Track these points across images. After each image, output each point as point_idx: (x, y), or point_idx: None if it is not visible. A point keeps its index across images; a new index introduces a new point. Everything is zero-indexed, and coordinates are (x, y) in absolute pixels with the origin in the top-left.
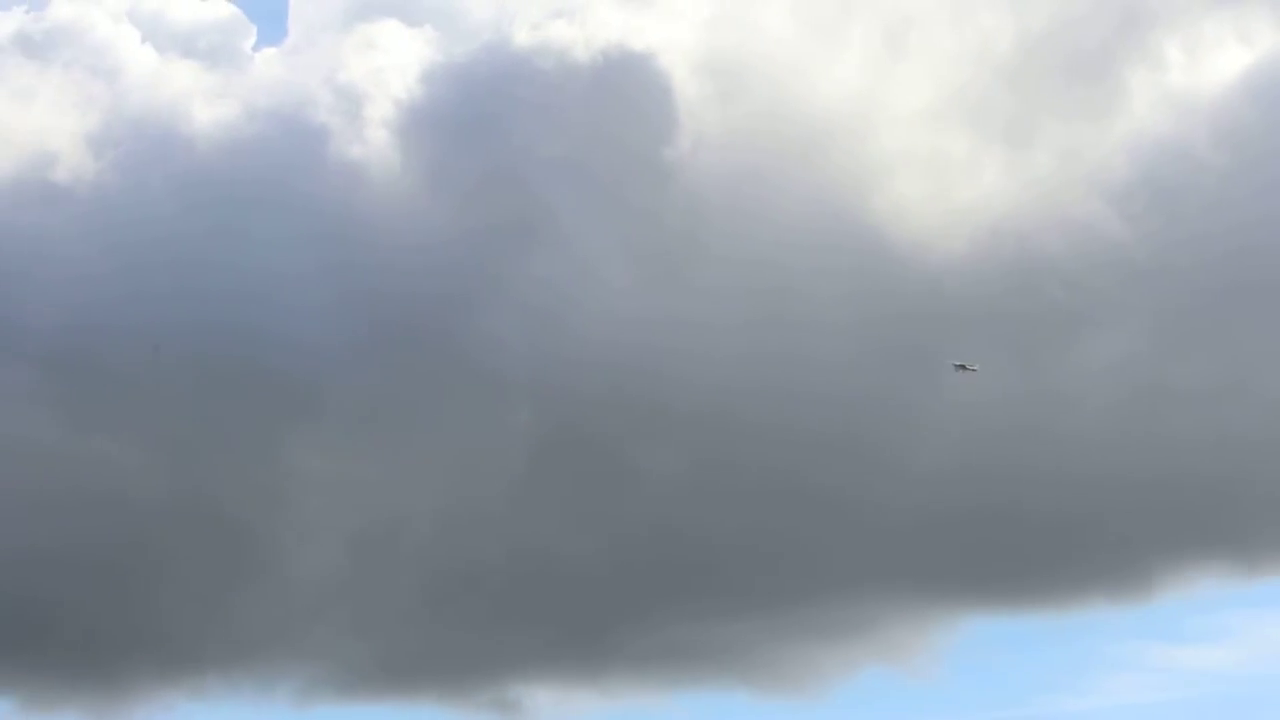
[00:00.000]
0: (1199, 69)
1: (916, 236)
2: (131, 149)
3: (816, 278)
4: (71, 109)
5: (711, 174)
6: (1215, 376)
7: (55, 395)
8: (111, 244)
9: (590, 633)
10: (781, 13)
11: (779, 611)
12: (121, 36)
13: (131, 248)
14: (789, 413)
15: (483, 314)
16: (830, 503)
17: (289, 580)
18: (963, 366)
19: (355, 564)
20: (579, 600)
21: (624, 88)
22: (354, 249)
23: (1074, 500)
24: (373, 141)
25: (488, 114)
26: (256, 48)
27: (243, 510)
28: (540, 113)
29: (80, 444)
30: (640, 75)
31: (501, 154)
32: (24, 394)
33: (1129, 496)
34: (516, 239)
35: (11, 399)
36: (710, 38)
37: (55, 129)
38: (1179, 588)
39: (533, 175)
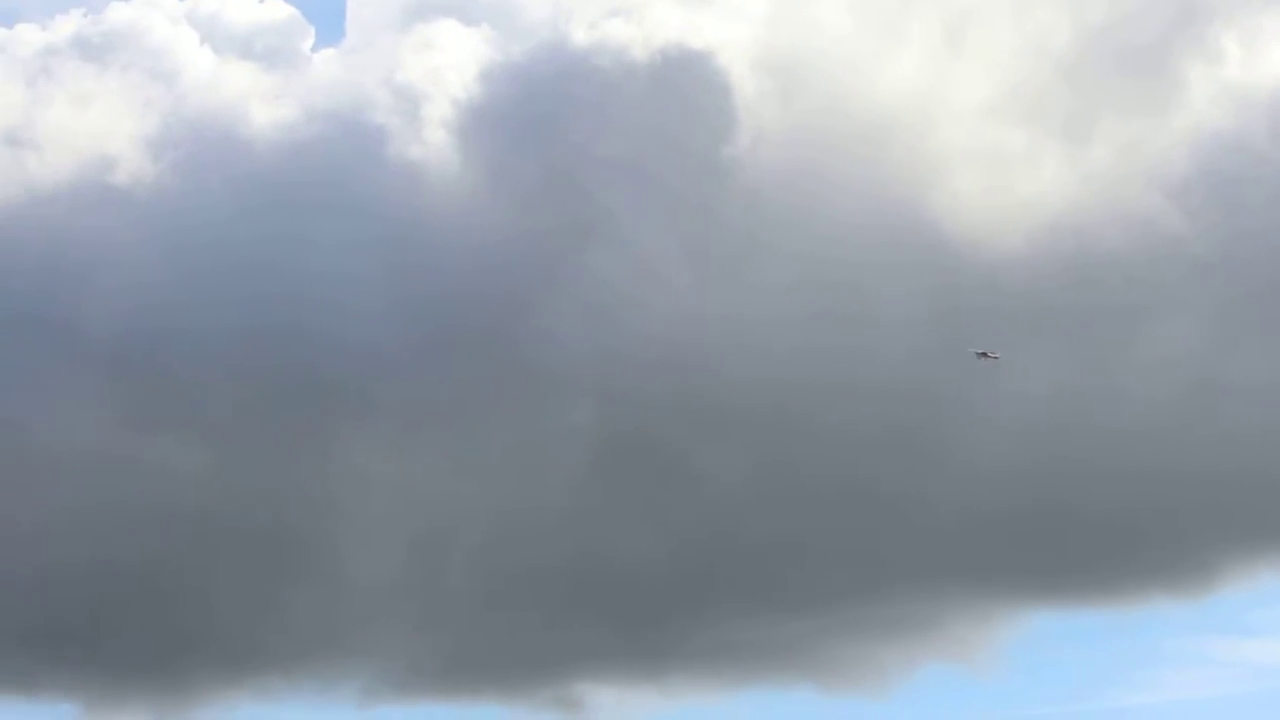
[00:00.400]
0: (1257, 62)
1: (974, 232)
2: (190, 151)
3: (875, 274)
4: (130, 112)
5: (770, 171)
6: (1275, 370)
7: (115, 398)
8: (170, 247)
9: (652, 631)
10: (840, 9)
11: (840, 609)
12: (179, 38)
13: (191, 250)
14: (848, 409)
15: (542, 314)
16: (890, 499)
17: (350, 581)
18: (984, 354)
19: (416, 564)
20: (640, 598)
21: (682, 86)
22: (413, 250)
23: (1134, 495)
24: (431, 142)
25: (546, 113)
26: (315, 49)
27: (303, 512)
28: (598, 111)
29: (140, 447)
30: (699, 73)
31: (560, 153)
32: (84, 397)
33: (1189, 491)
34: (575, 238)
35: (71, 402)
36: (769, 35)
37: (114, 132)
38: (1240, 581)
39: (591, 174)
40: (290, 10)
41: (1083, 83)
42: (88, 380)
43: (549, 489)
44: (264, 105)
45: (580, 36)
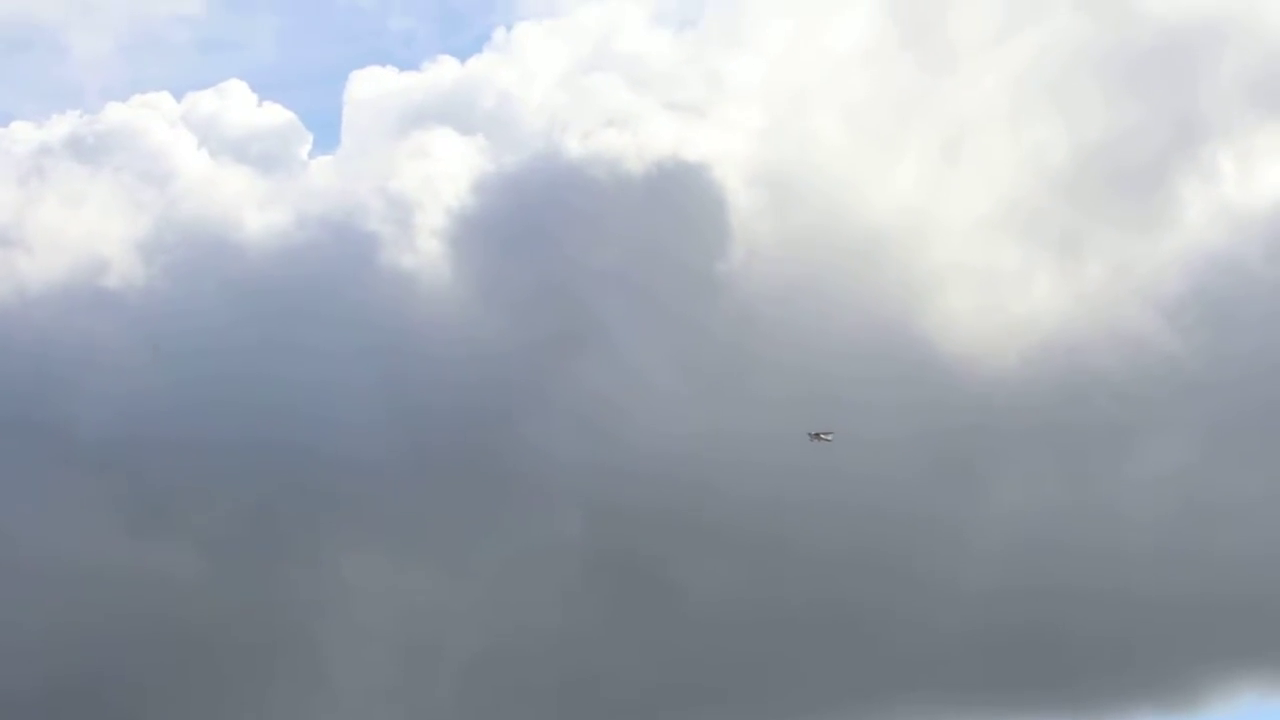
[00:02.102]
0: (1252, 182)
1: (967, 349)
2: (183, 255)
3: (866, 390)
4: (123, 214)
5: (763, 286)
6: (1266, 491)
7: (104, 503)
8: (162, 351)
9: None
10: (836, 123)
11: None
12: (176, 141)
13: (182, 355)
14: (836, 528)
15: (533, 426)
16: (878, 616)
17: (339, 690)
18: (818, 435)
19: (405, 675)
20: (627, 713)
21: (677, 199)
22: (404, 359)
23: (1121, 614)
24: (424, 250)
25: (539, 224)
26: (312, 155)
27: (293, 621)
28: (592, 223)
29: (130, 555)
30: (693, 186)
31: (553, 264)
32: (73, 501)
33: (1176, 610)
34: (568, 350)
35: (60, 506)
36: (764, 148)
37: (106, 234)
38: (1225, 700)
39: (584, 286)
40: (288, 115)
41: (1078, 200)
42: (76, 486)
43: (538, 602)
44: (257, 210)
45: (574, 147)
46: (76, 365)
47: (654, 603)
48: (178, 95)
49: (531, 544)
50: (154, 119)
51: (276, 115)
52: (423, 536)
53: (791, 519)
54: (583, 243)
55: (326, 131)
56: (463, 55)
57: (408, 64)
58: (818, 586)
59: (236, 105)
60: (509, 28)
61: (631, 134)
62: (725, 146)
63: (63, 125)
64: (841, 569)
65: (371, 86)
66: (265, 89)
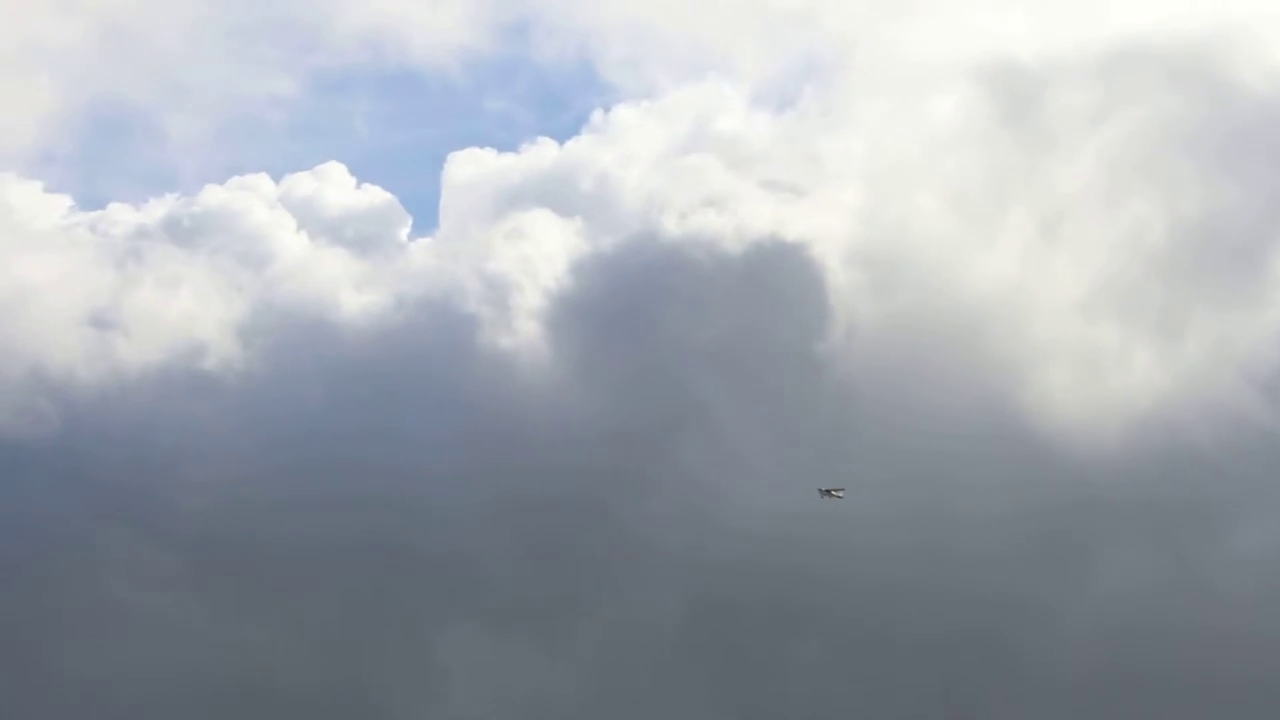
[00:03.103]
0: None
1: (1066, 426)
2: (281, 338)
3: (966, 469)
4: (220, 296)
5: (863, 365)
6: None
7: (204, 584)
8: (260, 433)
9: None
10: (934, 202)
11: None
12: (274, 223)
13: (280, 437)
14: (936, 610)
15: (632, 508)
16: (976, 699)
17: None
18: (829, 492)
19: None
20: None
21: (776, 279)
22: (502, 440)
23: (1226, 699)
24: (522, 332)
25: (638, 305)
26: (411, 236)
27: (392, 706)
28: (690, 304)
29: (229, 633)
30: (792, 266)
31: (652, 345)
32: (173, 582)
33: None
34: (667, 432)
35: (161, 587)
36: (863, 228)
37: (204, 316)
38: None
39: (683, 367)
40: (387, 197)
41: (1175, 277)
42: (175, 569)
43: (636, 681)
44: (355, 292)
45: (673, 228)
46: (174, 449)
47: (751, 685)
48: (275, 177)
49: (630, 627)
50: (252, 201)
51: (375, 196)
52: (521, 620)
53: (887, 598)
54: (681, 324)
55: (424, 213)
56: (561, 137)
57: (505, 145)
58: (916, 670)
59: (335, 187)
60: (607, 109)
61: (730, 214)
62: (824, 226)
63: (160, 208)
64: (940, 653)
65: (469, 168)
66: (363, 171)
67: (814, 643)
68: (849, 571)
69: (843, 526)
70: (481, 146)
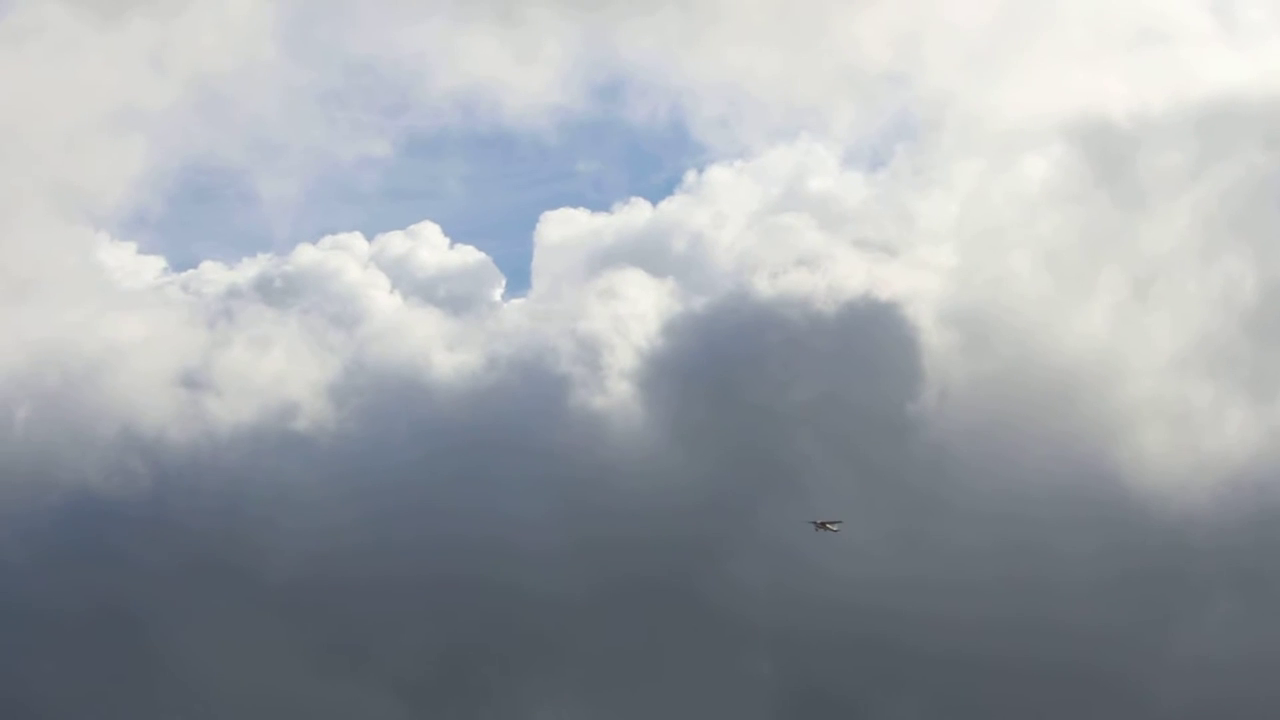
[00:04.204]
0: None
1: (1159, 486)
2: (373, 398)
3: (1059, 532)
4: (312, 356)
5: (956, 426)
6: None
7: (296, 644)
8: (353, 493)
9: None
10: (1027, 262)
11: None
12: (367, 282)
13: (373, 497)
14: (1028, 672)
15: (725, 569)
16: None
17: None
18: (824, 525)
19: None
20: None
21: (868, 338)
22: (596, 499)
23: None
24: (614, 392)
25: (730, 364)
26: (505, 296)
27: None
28: (783, 363)
29: (321, 694)
30: (885, 326)
31: (744, 405)
32: (264, 642)
33: None
34: (759, 490)
35: (252, 647)
36: (956, 288)
37: (296, 376)
38: None
39: (775, 426)
40: (480, 256)
41: (1268, 335)
42: (268, 627)
43: None
44: (447, 352)
45: (765, 287)
46: (267, 508)
47: None
48: (368, 237)
49: (723, 679)
50: (345, 260)
51: (468, 256)
52: (615, 672)
53: (982, 656)
54: (773, 383)
55: (516, 273)
56: (653, 197)
57: (598, 206)
58: None
59: (428, 246)
60: (700, 170)
61: (822, 274)
62: (917, 286)
63: (252, 267)
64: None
65: (562, 228)
66: (456, 231)
67: (904, 702)
68: (944, 626)
69: (934, 589)
70: (574, 207)
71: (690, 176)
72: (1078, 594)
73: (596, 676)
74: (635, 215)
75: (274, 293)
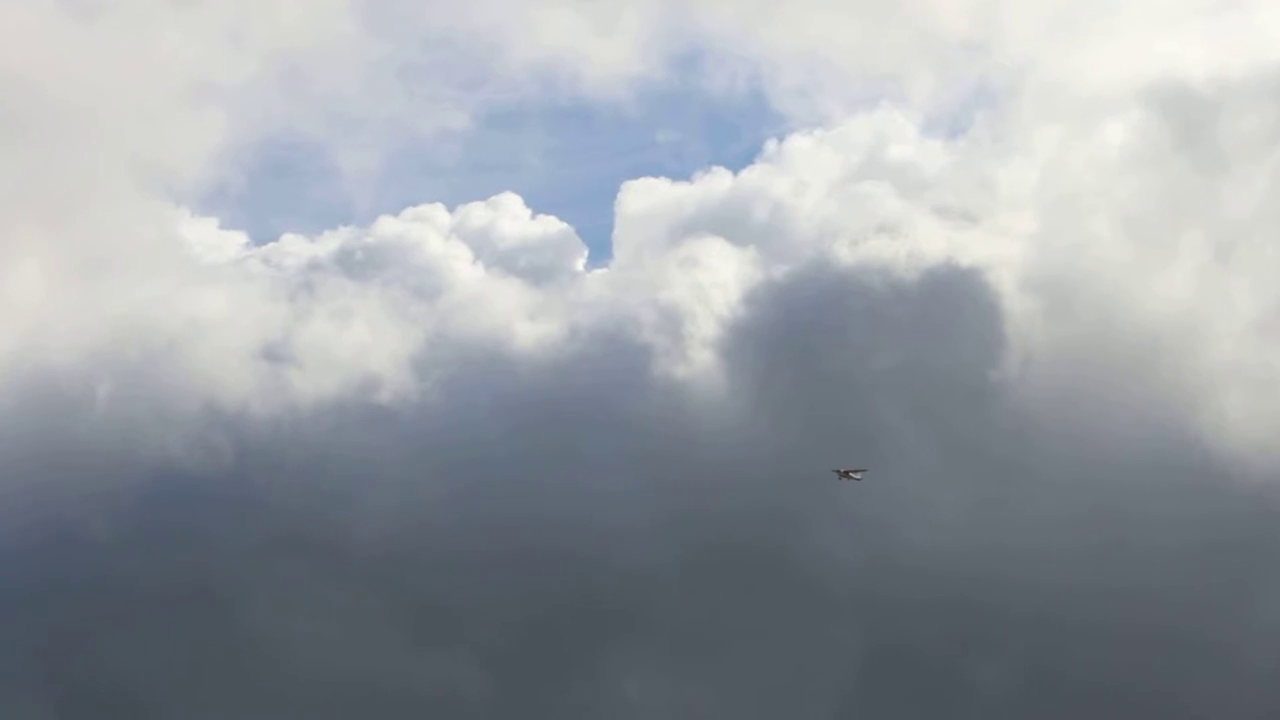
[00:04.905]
0: None
1: (1242, 450)
2: (456, 370)
3: (1142, 498)
4: (394, 328)
5: (1038, 391)
6: None
7: (381, 618)
8: (437, 466)
9: None
10: (1108, 227)
11: None
12: (449, 254)
13: (457, 470)
14: (1113, 636)
15: (809, 535)
16: None
17: None
18: (847, 474)
19: None
20: None
21: (950, 305)
22: (679, 469)
23: None
24: (696, 361)
25: (811, 332)
26: (588, 267)
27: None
28: (864, 331)
29: (408, 668)
30: (967, 293)
31: (825, 372)
32: (350, 616)
33: None
34: (845, 456)
35: (337, 621)
36: (1037, 254)
37: (378, 348)
38: None
39: (856, 394)
40: (563, 227)
41: None
42: (353, 601)
43: (817, 708)
44: (529, 322)
45: (845, 255)
46: (350, 481)
47: (932, 701)
48: (449, 209)
49: (809, 648)
50: (427, 231)
51: (550, 227)
52: (700, 642)
53: (1068, 614)
54: (855, 351)
55: (596, 244)
56: (733, 166)
57: (678, 175)
58: (1094, 708)
59: (510, 217)
60: (781, 139)
61: (903, 241)
62: (998, 252)
63: (333, 240)
64: (1119, 690)
65: (643, 198)
66: (537, 202)
67: (991, 678)
68: (1028, 590)
69: (1019, 554)
70: (655, 176)
71: (770, 145)
72: (1161, 559)
73: (681, 646)
74: (716, 184)
75: (355, 265)
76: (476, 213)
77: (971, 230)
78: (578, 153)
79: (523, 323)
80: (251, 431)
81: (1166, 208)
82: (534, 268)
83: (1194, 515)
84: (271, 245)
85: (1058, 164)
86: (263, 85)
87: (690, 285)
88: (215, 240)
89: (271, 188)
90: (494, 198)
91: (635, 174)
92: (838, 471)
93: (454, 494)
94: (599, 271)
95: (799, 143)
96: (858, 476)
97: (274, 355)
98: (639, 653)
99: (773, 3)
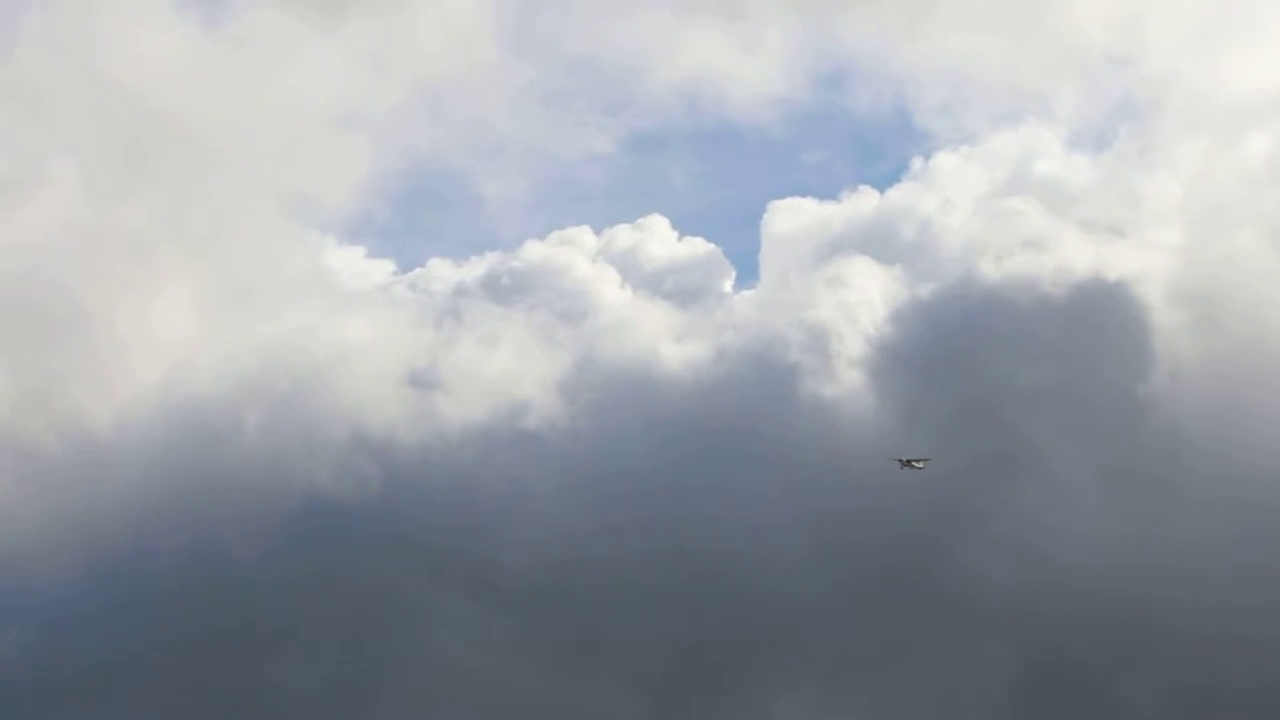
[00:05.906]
0: None
1: None
2: (605, 394)
3: None
4: (542, 352)
5: (1188, 406)
6: None
7: (531, 644)
8: (587, 490)
9: None
10: (1256, 238)
11: None
12: (596, 277)
13: (606, 493)
14: (1271, 652)
15: (963, 552)
16: None
17: None
18: (909, 463)
19: None
20: None
21: (1098, 320)
22: (829, 490)
23: None
24: (844, 380)
25: (959, 349)
26: (735, 288)
27: None
28: (1012, 347)
29: (557, 687)
30: (1114, 307)
31: (974, 389)
32: (504, 639)
33: None
34: (993, 475)
35: (491, 642)
36: (1184, 267)
37: (525, 373)
38: None
39: (1006, 411)
40: (710, 248)
41: None
42: (503, 627)
43: None
44: (676, 344)
45: (992, 271)
46: (499, 507)
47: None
48: (596, 232)
49: (962, 670)
50: (574, 255)
51: (698, 248)
52: (855, 667)
53: (1220, 651)
54: (1003, 368)
55: (743, 265)
56: (881, 185)
57: (824, 195)
58: (1259, 692)
59: (657, 239)
60: (926, 156)
61: (1050, 256)
62: (1145, 266)
63: (480, 265)
64: (1269, 709)
65: (789, 218)
66: (683, 225)
67: (1146, 695)
68: (1182, 611)
69: (1173, 570)
70: (801, 196)
71: (916, 163)
72: None
73: (832, 668)
74: (862, 203)
75: (501, 290)
76: (623, 235)
77: (1118, 244)
78: (723, 174)
79: (670, 345)
80: (399, 458)
81: None
82: (681, 289)
83: None
84: (418, 271)
85: (1203, 176)
86: (406, 113)
87: (837, 304)
88: (361, 268)
89: (417, 215)
90: (641, 220)
91: (781, 194)
92: (900, 461)
93: (605, 525)
94: (746, 292)
95: (944, 160)
96: (920, 465)
97: (421, 381)
98: (790, 674)
99: (916, 20)
